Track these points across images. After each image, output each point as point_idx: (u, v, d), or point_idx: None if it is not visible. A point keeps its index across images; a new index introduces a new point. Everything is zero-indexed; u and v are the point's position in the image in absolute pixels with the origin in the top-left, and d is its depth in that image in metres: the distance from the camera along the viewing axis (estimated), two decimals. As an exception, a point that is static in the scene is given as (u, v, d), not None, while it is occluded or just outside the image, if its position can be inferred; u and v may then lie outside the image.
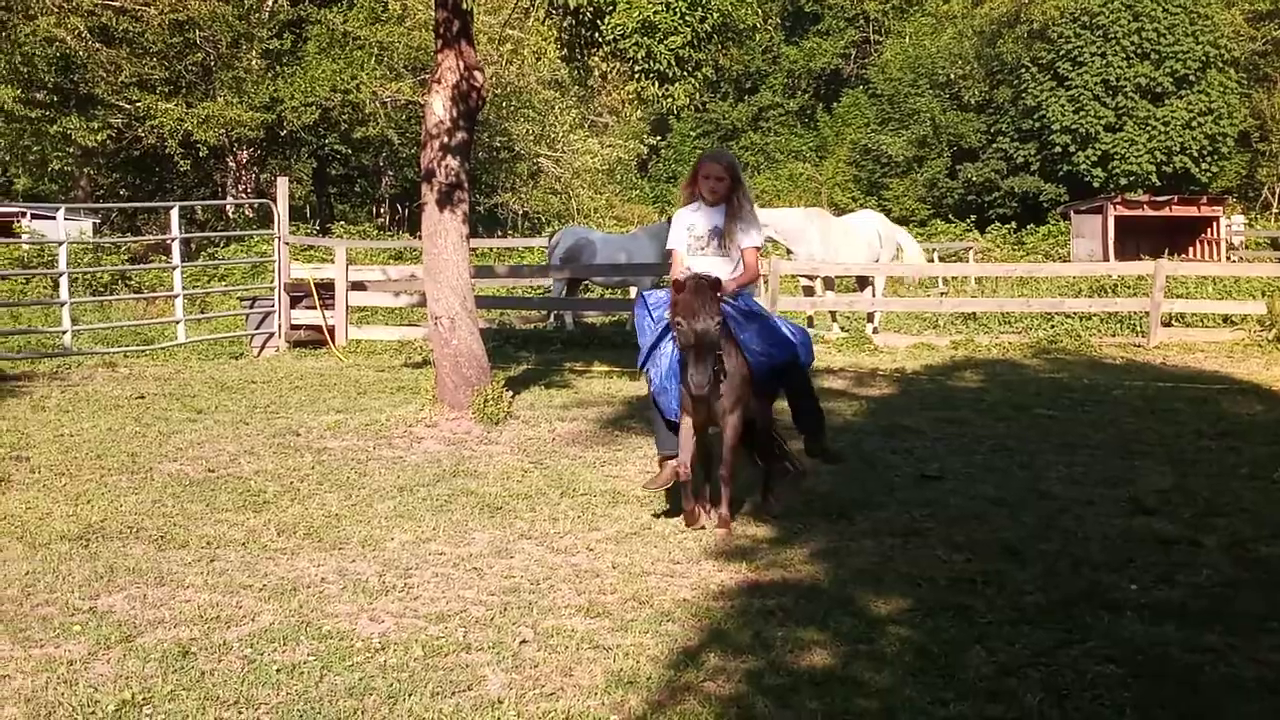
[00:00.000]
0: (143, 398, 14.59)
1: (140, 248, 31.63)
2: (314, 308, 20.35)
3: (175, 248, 20.92)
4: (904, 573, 7.54)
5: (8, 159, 40.78)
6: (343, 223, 40.76)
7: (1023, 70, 53.68)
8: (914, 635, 6.46)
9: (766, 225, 21.53)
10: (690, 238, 8.96)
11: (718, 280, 8.24)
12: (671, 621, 6.69)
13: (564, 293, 22.93)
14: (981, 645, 6.29)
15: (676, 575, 7.54)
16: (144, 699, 5.57)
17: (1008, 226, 44.24)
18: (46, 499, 9.34)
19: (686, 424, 8.62)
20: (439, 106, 12.74)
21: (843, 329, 21.49)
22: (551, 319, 23.01)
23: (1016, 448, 11.51)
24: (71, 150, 38.66)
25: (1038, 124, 53.14)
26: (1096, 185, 49.99)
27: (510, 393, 13.04)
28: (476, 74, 12.85)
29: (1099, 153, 51.25)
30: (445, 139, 12.71)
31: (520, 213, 52.85)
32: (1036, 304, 21.71)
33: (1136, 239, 35.43)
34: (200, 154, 38.27)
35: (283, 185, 21.51)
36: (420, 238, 14.27)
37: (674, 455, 8.77)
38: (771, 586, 7.30)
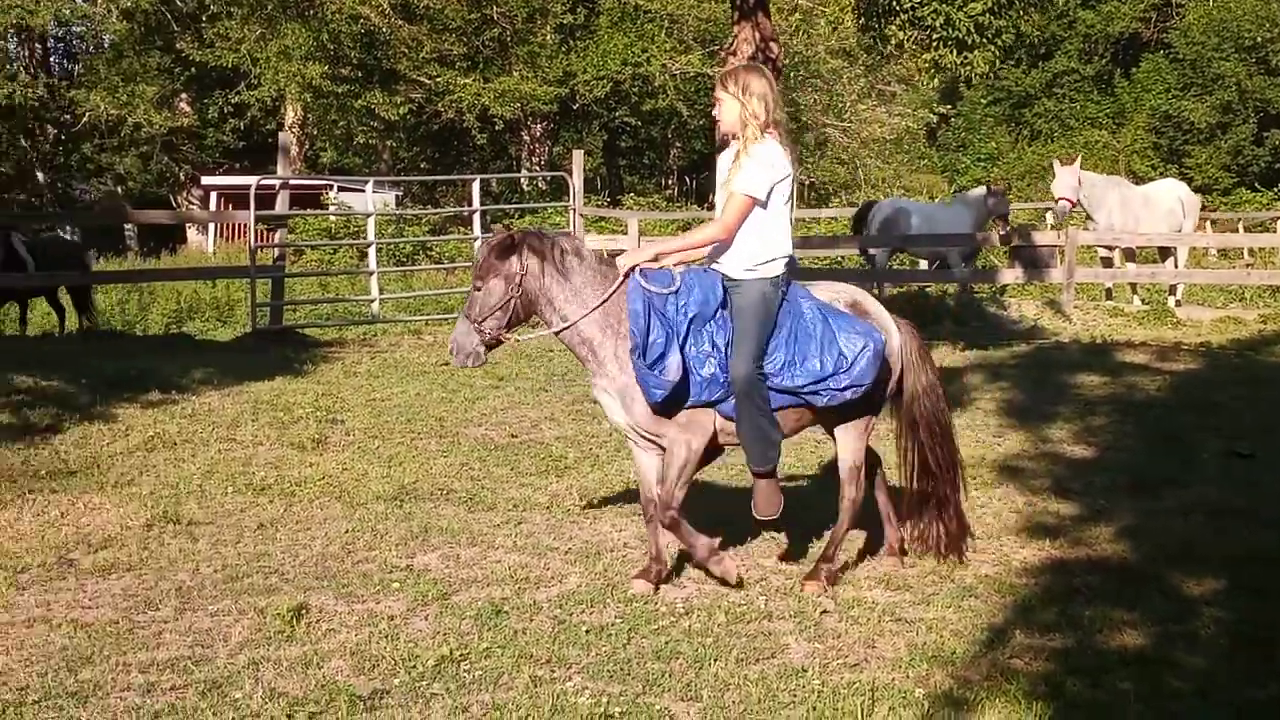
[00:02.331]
0: (447, 364, 15.06)
1: (440, 219, 32.62)
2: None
3: (475, 219, 21.47)
4: (1215, 552, 7.32)
5: (315, 133, 42.45)
6: (632, 194, 41.26)
7: (1337, 31, 50.97)
8: (1228, 616, 6.29)
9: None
10: (725, 192, 6.78)
11: (562, 239, 6.81)
12: (974, 597, 6.64)
13: (887, 264, 22.57)
14: (1301, 627, 6.08)
15: (977, 550, 7.47)
16: (461, 655, 5.80)
17: (1319, 195, 42.08)
18: (362, 461, 9.76)
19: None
20: (735, 78, 12.75)
21: (1143, 301, 20.82)
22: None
23: (1333, 426, 11.03)
24: (375, 124, 40.09)
25: (1353, 87, 50.41)
26: None
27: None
28: (773, 45, 12.87)
29: None
30: (740, 111, 12.72)
31: (807, 183, 52.64)
32: (1353, 276, 20.68)
33: None
34: (496, 128, 39.28)
35: (578, 158, 21.90)
36: (709, 208, 14.38)
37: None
38: (1076, 564, 7.18)
